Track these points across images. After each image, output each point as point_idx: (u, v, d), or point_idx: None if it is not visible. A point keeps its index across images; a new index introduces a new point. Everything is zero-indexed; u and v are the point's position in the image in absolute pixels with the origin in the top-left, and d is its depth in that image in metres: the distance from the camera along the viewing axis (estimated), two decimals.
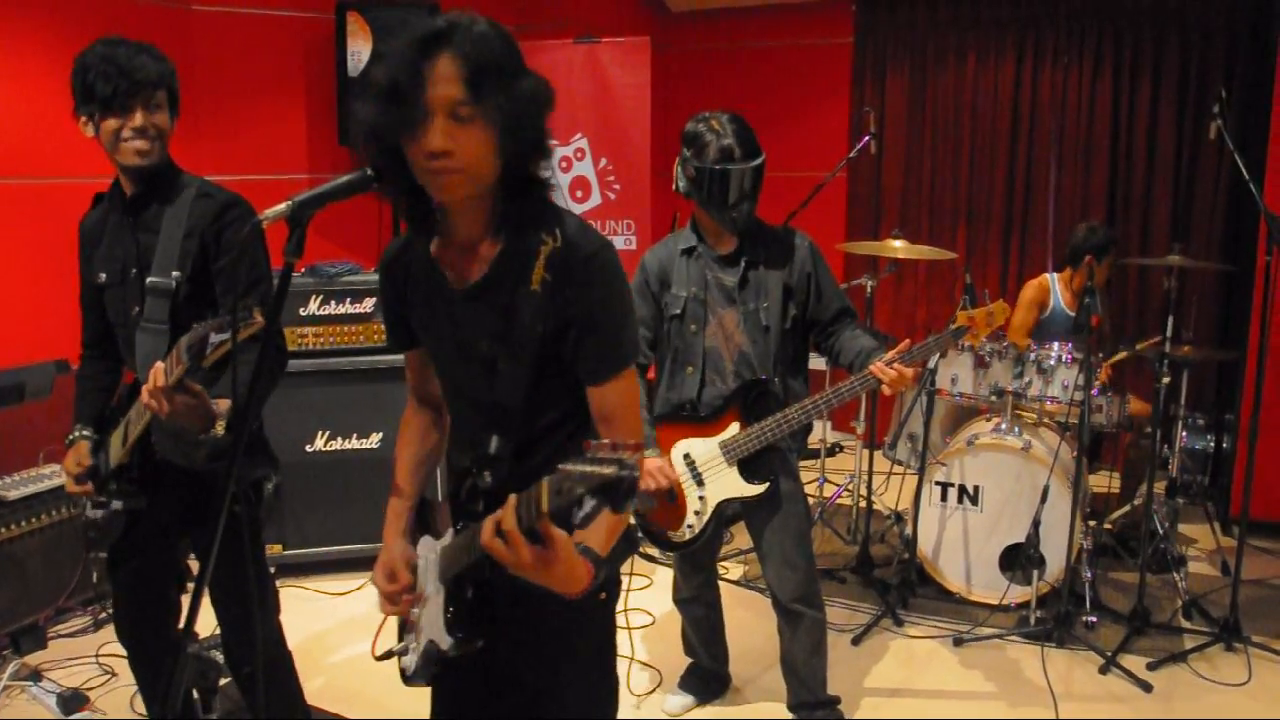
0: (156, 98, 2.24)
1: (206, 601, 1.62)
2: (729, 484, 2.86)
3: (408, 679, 1.83)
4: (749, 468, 2.85)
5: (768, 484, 2.85)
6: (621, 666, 3.41)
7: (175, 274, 2.27)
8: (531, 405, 1.67)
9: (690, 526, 2.89)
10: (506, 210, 1.60)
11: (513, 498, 1.38)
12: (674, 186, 2.84)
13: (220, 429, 2.09)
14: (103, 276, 2.38)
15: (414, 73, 1.46)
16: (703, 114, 2.80)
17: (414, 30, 1.50)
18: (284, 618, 2.63)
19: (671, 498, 2.88)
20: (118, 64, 2.18)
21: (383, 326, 4.12)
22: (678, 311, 2.88)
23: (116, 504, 2.33)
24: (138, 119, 2.22)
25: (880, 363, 2.67)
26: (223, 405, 2.10)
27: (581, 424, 1.70)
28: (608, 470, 1.18)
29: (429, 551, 1.79)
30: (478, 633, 1.68)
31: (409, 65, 1.47)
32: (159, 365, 1.96)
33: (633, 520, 2.89)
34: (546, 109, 1.54)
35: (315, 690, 3.34)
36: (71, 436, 2.41)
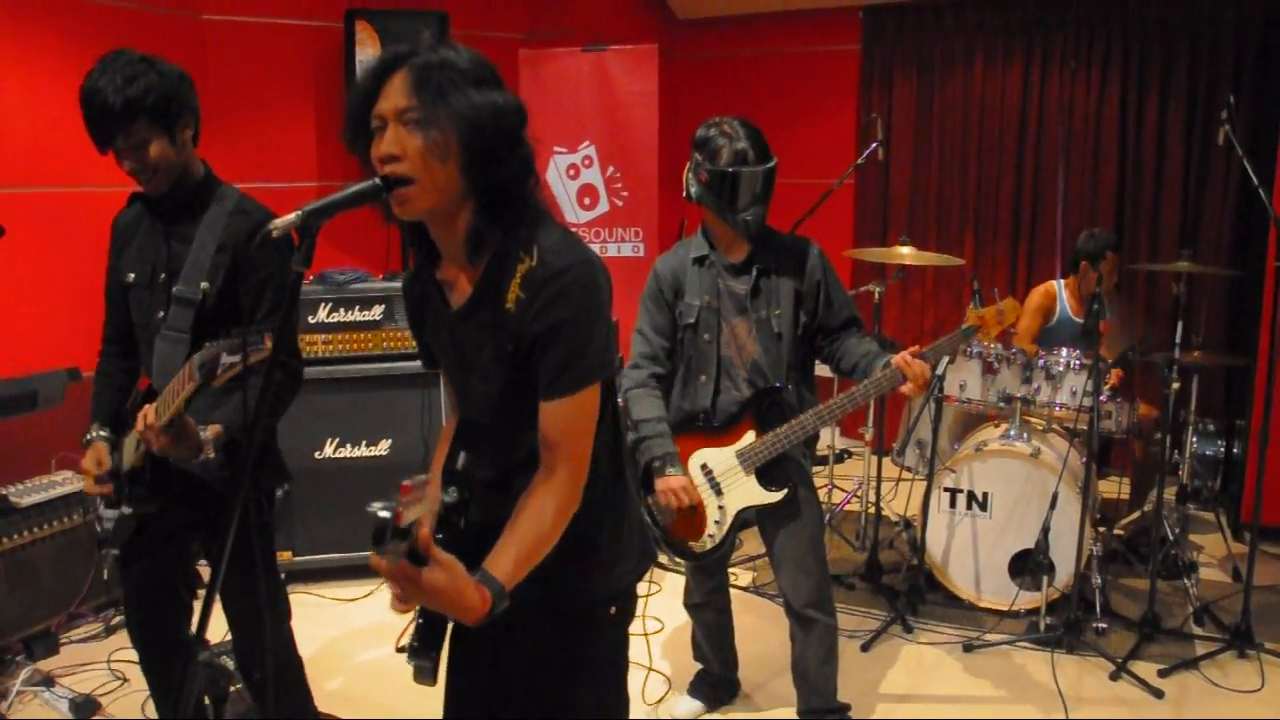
0: (135, 134, 2.21)
1: (218, 607, 1.63)
2: (748, 492, 2.86)
3: (414, 678, 1.85)
4: (766, 475, 2.86)
5: (786, 490, 2.86)
6: (638, 675, 3.43)
7: (203, 285, 2.28)
8: (505, 424, 1.66)
9: (711, 536, 2.90)
10: (482, 231, 1.60)
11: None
12: (684, 193, 2.85)
13: (210, 454, 2.14)
14: (131, 276, 2.40)
15: (368, 92, 1.54)
16: (713, 119, 2.81)
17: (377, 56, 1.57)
18: (294, 624, 2.64)
19: (692, 509, 2.89)
20: (91, 107, 2.19)
21: (392, 334, 4.17)
22: (691, 321, 2.88)
23: (126, 509, 2.34)
24: (124, 162, 2.25)
25: (906, 354, 2.67)
26: (212, 432, 2.15)
27: None
28: (378, 510, 1.21)
29: None
30: (433, 646, 1.66)
31: (364, 86, 1.55)
32: (148, 408, 2.06)
33: (654, 527, 2.91)
34: (509, 122, 1.55)
35: (326, 695, 3.35)
36: (88, 436, 2.42)
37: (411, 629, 1.70)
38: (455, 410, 1.95)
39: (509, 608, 1.52)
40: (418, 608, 1.77)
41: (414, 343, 1.90)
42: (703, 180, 2.78)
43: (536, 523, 1.56)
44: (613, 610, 1.75)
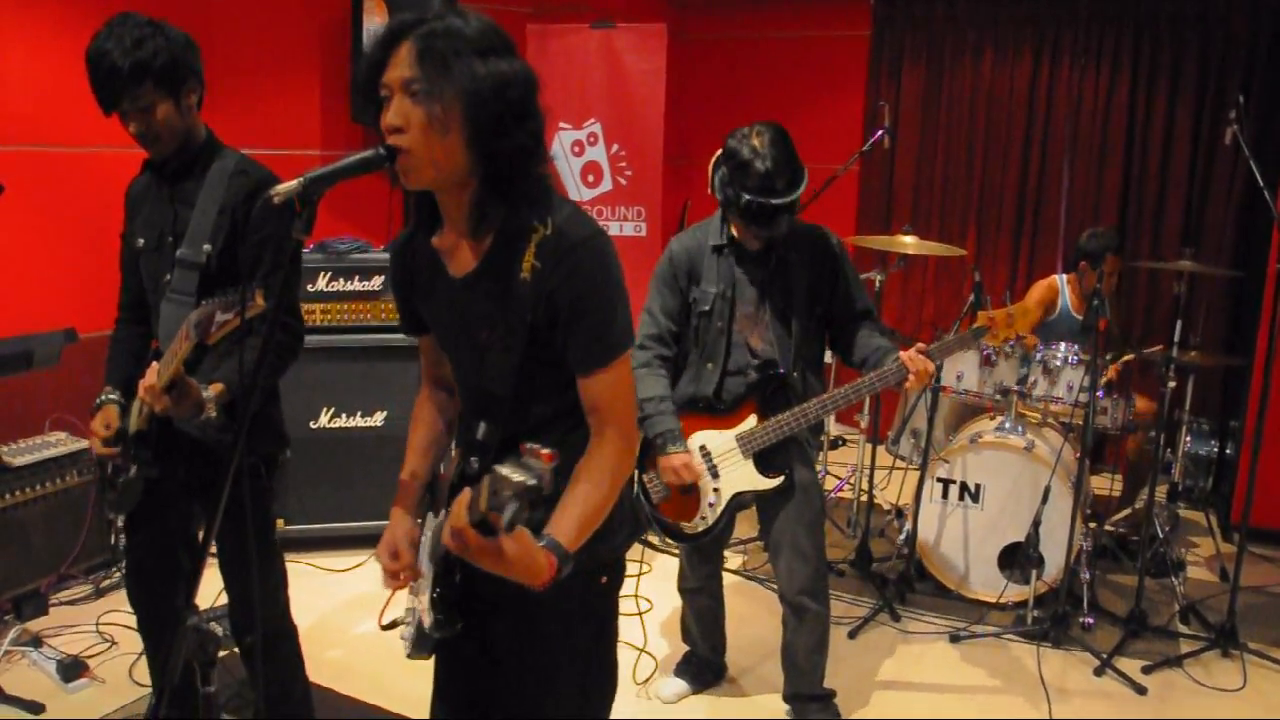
0: (142, 98, 2.19)
1: (211, 574, 1.63)
2: (744, 476, 2.86)
3: (407, 653, 1.86)
4: (765, 460, 2.86)
5: (783, 477, 2.86)
6: (629, 655, 3.44)
7: (206, 248, 2.28)
8: (520, 394, 1.67)
9: (704, 518, 2.90)
10: (488, 202, 1.60)
11: (464, 494, 1.40)
12: (709, 189, 2.82)
13: (212, 412, 2.14)
14: (141, 242, 2.40)
15: (376, 61, 1.53)
16: (744, 131, 2.72)
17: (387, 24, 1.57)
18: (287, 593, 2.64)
19: (687, 489, 2.89)
20: (99, 69, 2.17)
21: (390, 305, 4.16)
22: (706, 308, 2.88)
23: (133, 470, 2.35)
24: (130, 125, 2.23)
25: (913, 350, 2.67)
26: (214, 390, 2.15)
27: (580, 421, 1.69)
28: (527, 479, 1.22)
29: (431, 529, 1.81)
30: (456, 615, 1.70)
31: (373, 55, 1.54)
32: (154, 365, 2.07)
33: (646, 505, 2.92)
34: (515, 93, 1.53)
35: (315, 665, 3.35)
36: (100, 399, 2.42)
37: (398, 607, 1.71)
38: (428, 380, 1.96)
39: (496, 581, 1.52)
40: (425, 589, 1.79)
41: None
42: (728, 194, 2.74)
43: (595, 485, 1.60)
44: (604, 580, 1.77)
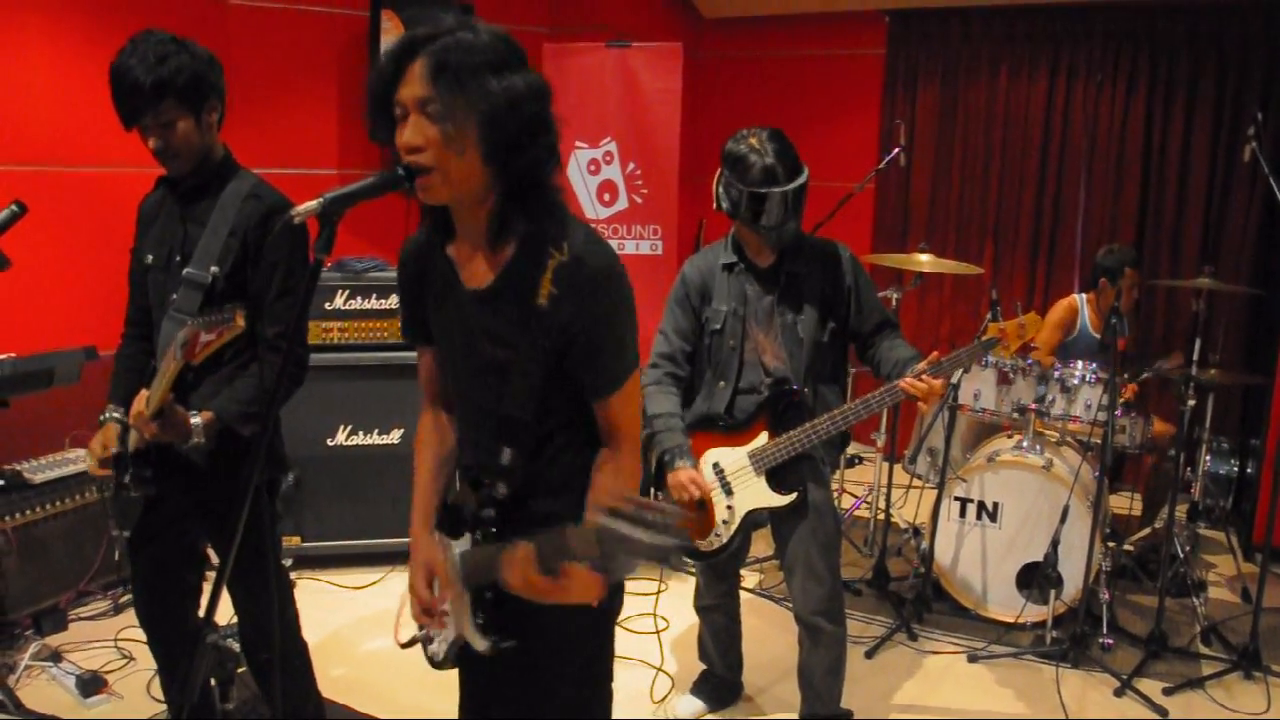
0: (163, 114, 2.21)
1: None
2: (757, 494, 2.86)
3: (437, 664, 1.86)
4: (778, 477, 2.85)
5: (795, 494, 2.85)
6: (646, 674, 3.43)
7: (213, 269, 2.29)
8: (539, 417, 1.69)
9: (718, 535, 2.89)
10: (506, 216, 1.62)
11: (520, 548, 1.48)
12: (715, 205, 2.84)
13: (199, 438, 2.19)
14: (150, 258, 2.41)
15: (389, 77, 1.54)
16: (742, 132, 2.78)
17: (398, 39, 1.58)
18: (301, 610, 2.64)
19: (701, 507, 2.88)
20: (122, 85, 2.19)
21: None
22: (718, 327, 2.88)
23: (132, 491, 2.36)
24: (150, 140, 2.25)
25: (910, 376, 2.67)
26: (204, 418, 2.20)
27: (585, 432, 1.74)
28: (657, 539, 1.26)
29: (446, 549, 1.81)
30: (510, 633, 1.73)
31: (385, 70, 1.55)
32: (142, 393, 2.12)
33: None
34: (529, 109, 1.54)
35: (331, 682, 3.36)
36: (103, 417, 2.43)
37: (411, 624, 1.72)
38: (431, 397, 1.94)
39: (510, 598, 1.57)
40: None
41: None
42: (734, 198, 2.76)
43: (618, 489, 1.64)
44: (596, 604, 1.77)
